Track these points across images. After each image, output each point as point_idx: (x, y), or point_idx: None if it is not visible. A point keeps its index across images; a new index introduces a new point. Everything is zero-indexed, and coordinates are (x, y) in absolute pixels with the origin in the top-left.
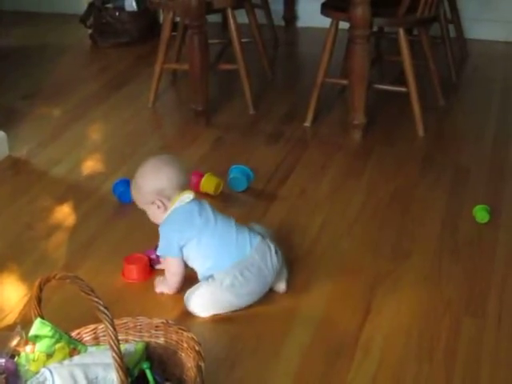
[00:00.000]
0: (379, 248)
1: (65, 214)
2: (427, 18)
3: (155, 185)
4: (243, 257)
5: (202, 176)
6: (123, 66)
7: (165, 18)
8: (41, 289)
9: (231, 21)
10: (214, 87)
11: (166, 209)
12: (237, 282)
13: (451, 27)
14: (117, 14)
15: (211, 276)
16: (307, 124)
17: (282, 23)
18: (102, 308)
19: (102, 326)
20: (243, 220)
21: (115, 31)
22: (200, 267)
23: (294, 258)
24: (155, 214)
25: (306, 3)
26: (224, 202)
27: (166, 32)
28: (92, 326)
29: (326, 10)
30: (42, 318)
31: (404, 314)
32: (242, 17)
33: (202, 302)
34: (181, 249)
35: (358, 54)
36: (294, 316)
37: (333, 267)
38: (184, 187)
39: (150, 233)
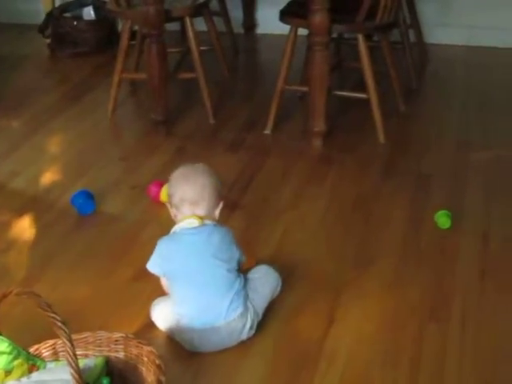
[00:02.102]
0: (342, 255)
1: (24, 227)
2: (386, 24)
3: (171, 191)
4: (209, 325)
5: (161, 186)
6: (82, 76)
7: (123, 27)
8: None
9: (189, 29)
10: (173, 96)
11: (175, 218)
12: (193, 342)
13: (411, 32)
14: (75, 23)
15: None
16: (268, 131)
17: (242, 30)
18: (59, 324)
19: (61, 341)
20: None
21: (73, 41)
22: (171, 297)
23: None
24: None
25: (265, 10)
26: None
27: (124, 41)
28: (51, 342)
29: (284, 17)
30: (0, 334)
31: (368, 321)
32: (201, 24)
33: (163, 317)
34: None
35: (317, 60)
36: (256, 326)
37: (296, 276)
38: (202, 204)
39: (112, 245)
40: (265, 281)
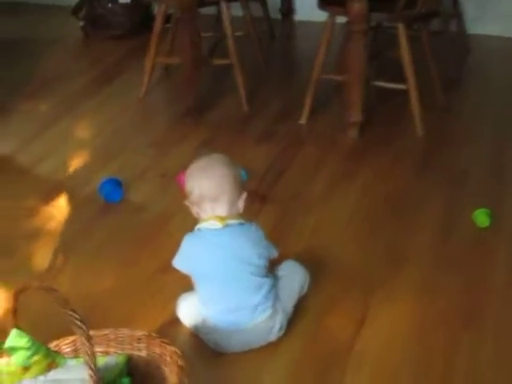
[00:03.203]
0: (373, 254)
1: (49, 213)
2: (427, 13)
3: (188, 187)
4: (235, 327)
5: None
6: (115, 59)
7: (157, 11)
8: (16, 298)
9: (225, 14)
10: (207, 82)
11: (198, 216)
12: (218, 342)
13: (453, 22)
14: (109, 5)
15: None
16: (302, 121)
17: (279, 16)
18: (77, 322)
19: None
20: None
21: (108, 23)
22: (197, 295)
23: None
24: None
25: None
26: None
27: (158, 25)
28: (71, 338)
29: (322, 4)
30: (19, 328)
31: (399, 325)
32: (238, 9)
33: (189, 314)
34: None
35: (355, 49)
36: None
37: (325, 274)
38: (223, 198)
39: (137, 234)
40: (292, 278)
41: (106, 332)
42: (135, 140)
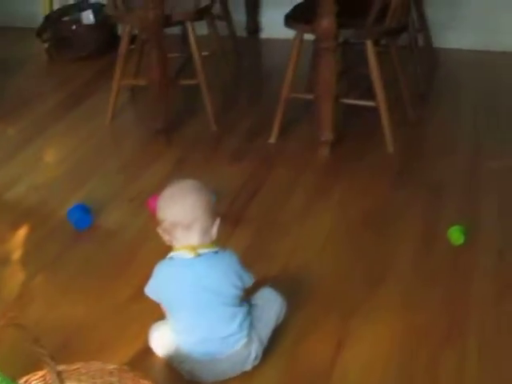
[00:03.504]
0: (351, 274)
1: (18, 241)
2: (396, 28)
3: (160, 215)
4: (210, 356)
5: None
6: (81, 82)
7: (122, 32)
8: None
9: (191, 34)
10: (175, 103)
11: (171, 244)
12: (193, 372)
13: (419, 36)
14: (73, 27)
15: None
16: (272, 141)
17: (245, 34)
18: (46, 359)
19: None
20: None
21: (72, 45)
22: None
23: (259, 283)
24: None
25: (269, 13)
26: None
27: (123, 46)
28: (41, 373)
29: (289, 21)
30: None
31: (379, 346)
32: (203, 28)
33: (162, 344)
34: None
35: (324, 67)
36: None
37: (302, 296)
38: (195, 226)
39: (109, 262)
40: (269, 307)
41: (77, 366)
42: (104, 164)
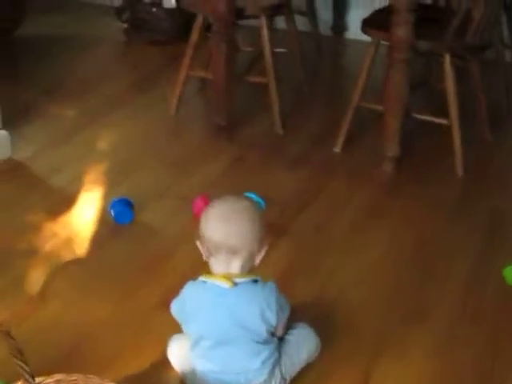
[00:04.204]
0: (391, 305)
1: (53, 231)
2: (478, 45)
3: (205, 232)
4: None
5: (207, 202)
6: (153, 67)
7: (196, 20)
8: None
9: (263, 30)
10: (242, 100)
11: (208, 260)
12: None
13: (508, 52)
14: (153, 9)
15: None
16: (337, 149)
17: (330, 33)
18: (27, 376)
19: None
20: None
21: (151, 28)
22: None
23: (295, 305)
24: None
25: (357, 13)
26: None
27: (194, 35)
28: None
29: (366, 27)
30: None
31: None
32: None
33: (179, 359)
34: None
35: (395, 78)
36: None
37: (335, 322)
38: (242, 253)
39: (141, 263)
40: (302, 346)
41: (75, 377)
42: (158, 157)
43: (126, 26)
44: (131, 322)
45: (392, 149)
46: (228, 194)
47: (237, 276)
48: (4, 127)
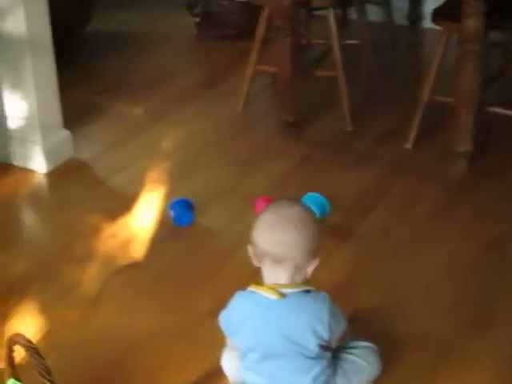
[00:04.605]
0: (456, 312)
1: (111, 232)
2: None
3: (254, 237)
4: None
5: (269, 203)
6: (224, 62)
7: (261, 15)
8: (11, 349)
9: (331, 22)
10: (311, 95)
11: (259, 266)
12: None
13: None
14: (224, 2)
15: None
16: (408, 146)
17: (406, 23)
18: None
19: None
20: None
21: (222, 22)
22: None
23: (358, 316)
24: None
25: (434, 1)
26: None
27: (260, 29)
28: None
29: (436, 17)
30: (17, 379)
31: None
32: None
33: (233, 367)
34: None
35: (466, 71)
36: None
37: (399, 330)
38: (287, 263)
39: (199, 267)
40: (363, 368)
41: None
42: (223, 155)
43: (197, 20)
44: (183, 328)
45: (465, 144)
46: (293, 194)
47: (286, 286)
48: (67, 127)
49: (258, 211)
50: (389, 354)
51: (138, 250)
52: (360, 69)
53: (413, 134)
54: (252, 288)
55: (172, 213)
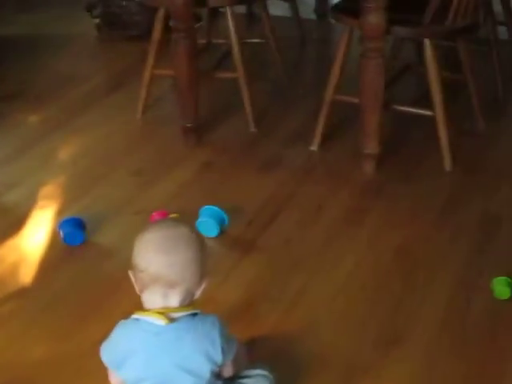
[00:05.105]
0: (364, 328)
1: (2, 256)
2: (462, 28)
3: (139, 261)
4: None
5: (165, 216)
6: (124, 65)
7: (156, 16)
8: None
9: (229, 21)
10: (212, 98)
11: (141, 294)
12: None
13: (502, 30)
14: (124, 3)
15: None
16: (314, 148)
17: (314, 17)
18: None
19: None
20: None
21: (123, 23)
22: None
23: (256, 335)
24: None
25: None
26: None
27: (156, 32)
28: None
29: (335, 13)
30: None
31: None
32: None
33: None
34: None
35: (370, 70)
36: None
37: (301, 350)
38: (180, 287)
39: (92, 291)
40: None
41: None
42: (119, 167)
43: (97, 21)
44: (70, 362)
45: (371, 146)
46: (191, 206)
47: (174, 310)
48: None
49: None
50: (289, 377)
51: (28, 274)
52: (266, 67)
53: (318, 135)
54: (136, 315)
55: (61, 232)
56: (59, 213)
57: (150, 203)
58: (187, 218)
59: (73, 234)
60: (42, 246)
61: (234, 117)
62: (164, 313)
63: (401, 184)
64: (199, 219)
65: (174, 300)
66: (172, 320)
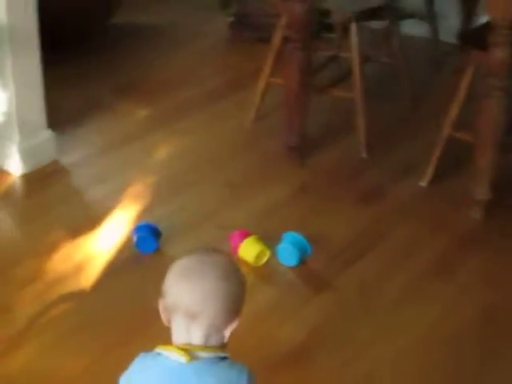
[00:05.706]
0: None
1: (65, 254)
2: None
3: (165, 288)
4: None
5: (244, 238)
6: (250, 67)
7: (278, 23)
8: None
9: (352, 39)
10: (326, 115)
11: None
12: None
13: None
14: (260, 5)
15: None
16: (423, 184)
17: (455, 41)
18: None
19: None
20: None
21: (256, 24)
22: None
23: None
24: None
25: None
26: (260, 277)
27: (275, 38)
28: None
29: (463, 42)
30: None
31: None
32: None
33: None
34: None
35: (488, 109)
36: None
37: None
38: (202, 320)
39: (146, 303)
40: None
41: None
42: (213, 175)
43: (231, 19)
44: (112, 373)
45: (481, 191)
46: (276, 229)
47: (199, 349)
48: (53, 127)
49: (232, 245)
50: None
51: (90, 277)
52: (390, 89)
53: (430, 171)
54: (158, 349)
55: (135, 237)
56: (139, 216)
57: (234, 219)
58: (268, 242)
59: (146, 240)
60: (112, 248)
61: (345, 139)
62: (187, 349)
63: (507, 238)
64: (281, 244)
65: (196, 335)
66: (194, 358)
